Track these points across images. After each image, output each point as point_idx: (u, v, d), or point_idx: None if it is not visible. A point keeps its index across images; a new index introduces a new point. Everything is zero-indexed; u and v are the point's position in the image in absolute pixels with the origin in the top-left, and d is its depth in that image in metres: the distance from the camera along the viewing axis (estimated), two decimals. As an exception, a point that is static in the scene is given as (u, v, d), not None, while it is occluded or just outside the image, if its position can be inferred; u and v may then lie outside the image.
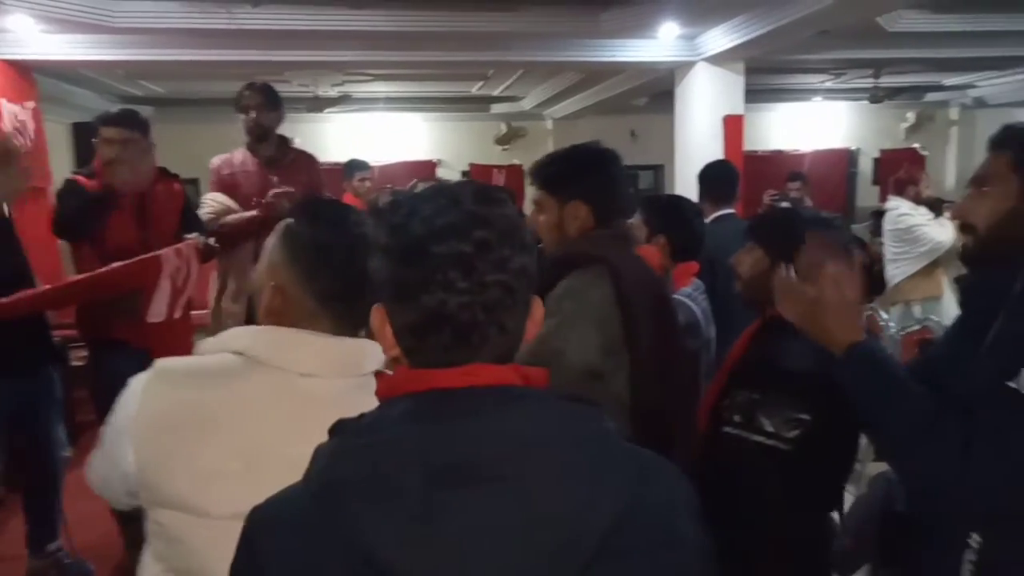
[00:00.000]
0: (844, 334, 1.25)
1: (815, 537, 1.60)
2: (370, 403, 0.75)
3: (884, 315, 4.25)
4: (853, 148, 10.44)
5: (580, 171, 1.70)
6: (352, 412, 0.74)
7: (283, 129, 3.26)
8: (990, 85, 9.29)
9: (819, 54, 6.41)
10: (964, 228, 1.31)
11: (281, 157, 3.20)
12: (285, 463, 0.77)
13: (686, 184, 5.40)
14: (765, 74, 8.27)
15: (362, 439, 0.70)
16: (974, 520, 1.19)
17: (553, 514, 0.66)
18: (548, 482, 0.67)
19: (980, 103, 9.95)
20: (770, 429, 1.54)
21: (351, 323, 1.12)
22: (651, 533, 0.70)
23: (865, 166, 10.45)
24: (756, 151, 10.20)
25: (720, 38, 5.43)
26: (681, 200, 2.44)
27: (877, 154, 10.36)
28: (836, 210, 9.96)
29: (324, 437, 0.73)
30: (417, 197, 0.74)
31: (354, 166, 4.96)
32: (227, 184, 3.13)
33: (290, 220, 1.16)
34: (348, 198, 4.58)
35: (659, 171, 10.00)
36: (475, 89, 8.49)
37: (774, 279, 1.36)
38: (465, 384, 0.71)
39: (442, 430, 0.68)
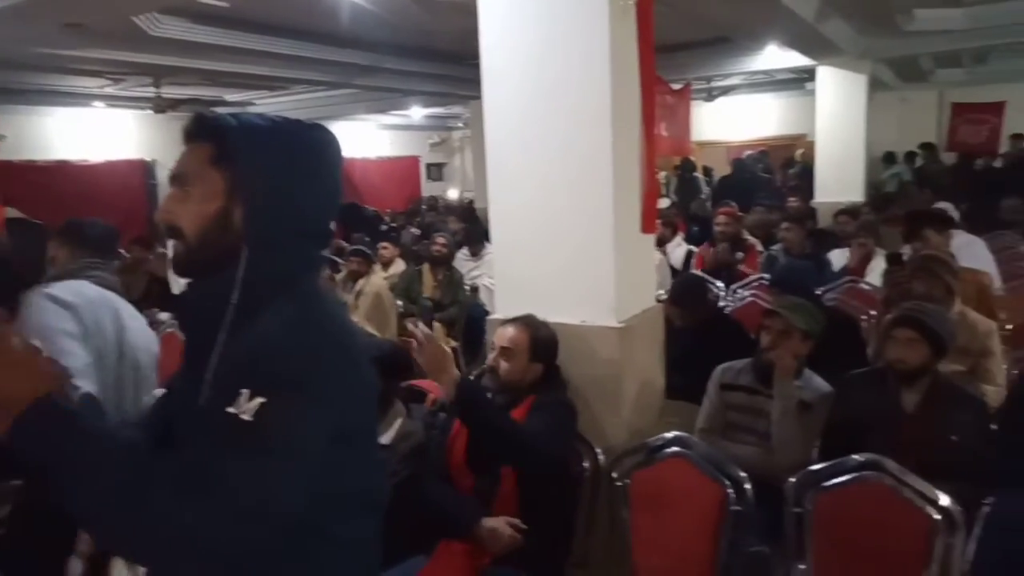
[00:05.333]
0: (24, 392, 0.96)
1: None
2: None
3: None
4: (149, 159, 10.18)
5: None
6: None
7: None
8: (267, 104, 10.23)
9: (86, 51, 5.80)
10: (172, 233, 1.14)
11: None
12: None
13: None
14: (33, 71, 7.19)
15: None
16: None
17: None
18: None
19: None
20: None
21: None
22: None
23: (163, 177, 10.31)
24: (35, 161, 8.98)
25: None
26: None
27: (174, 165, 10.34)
28: (139, 223, 9.54)
29: None
30: None
31: None
32: None
33: None
34: None
35: None
36: None
37: None
38: None
39: None
